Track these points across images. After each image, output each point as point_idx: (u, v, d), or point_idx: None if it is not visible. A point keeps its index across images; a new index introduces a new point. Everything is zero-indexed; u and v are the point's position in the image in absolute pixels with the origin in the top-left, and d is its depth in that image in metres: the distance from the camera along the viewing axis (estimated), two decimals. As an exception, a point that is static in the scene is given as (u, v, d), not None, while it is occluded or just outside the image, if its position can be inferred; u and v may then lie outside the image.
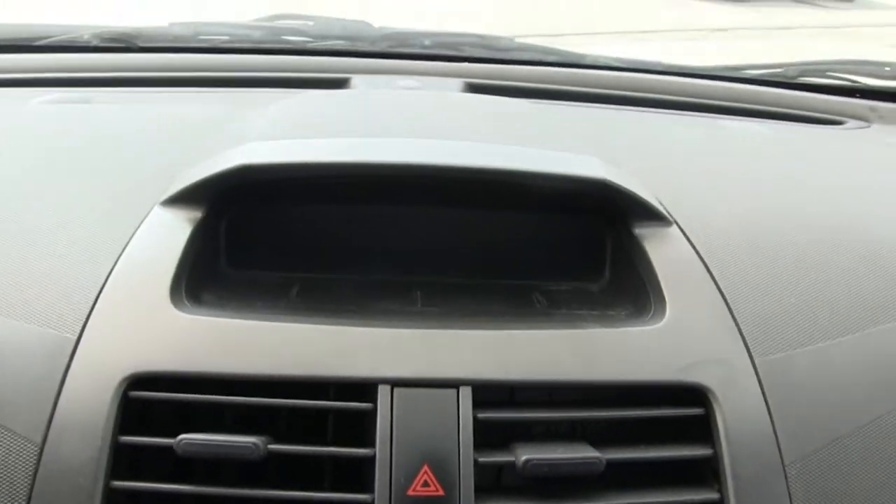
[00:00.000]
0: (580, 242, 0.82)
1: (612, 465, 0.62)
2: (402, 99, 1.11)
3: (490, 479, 0.64)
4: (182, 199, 0.74)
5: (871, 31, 6.91)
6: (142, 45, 1.32)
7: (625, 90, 1.30)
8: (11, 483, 0.59)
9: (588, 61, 1.43)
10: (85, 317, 0.65)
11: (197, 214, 0.73)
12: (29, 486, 0.59)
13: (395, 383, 0.63)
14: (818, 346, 0.70)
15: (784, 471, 0.64)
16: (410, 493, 0.60)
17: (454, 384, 0.63)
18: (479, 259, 0.82)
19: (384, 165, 0.75)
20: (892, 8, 9.05)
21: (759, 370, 0.68)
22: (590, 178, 0.75)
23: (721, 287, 0.72)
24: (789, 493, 0.64)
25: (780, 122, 1.26)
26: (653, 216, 0.77)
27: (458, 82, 1.23)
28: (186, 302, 0.68)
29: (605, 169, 0.76)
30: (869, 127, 1.26)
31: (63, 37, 1.32)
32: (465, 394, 0.63)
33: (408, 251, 0.81)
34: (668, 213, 0.78)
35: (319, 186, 0.79)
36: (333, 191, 0.80)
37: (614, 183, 0.75)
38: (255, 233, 0.81)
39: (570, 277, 0.81)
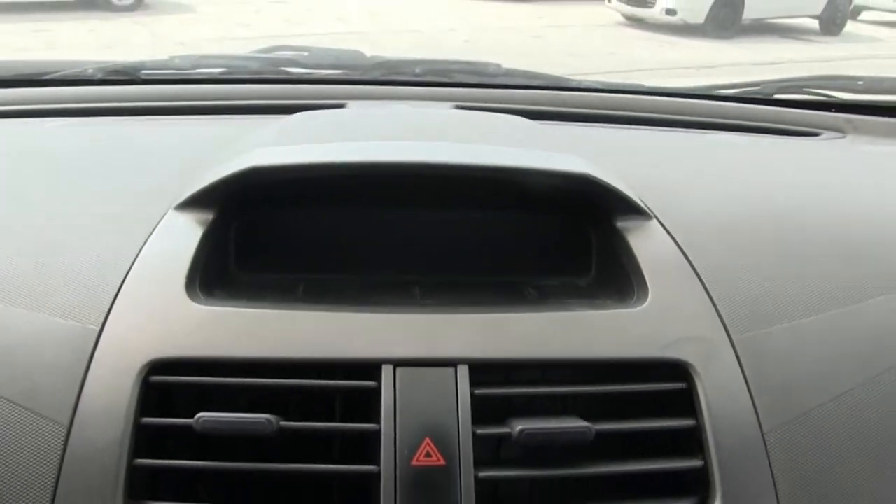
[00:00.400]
0: (567, 240, 0.88)
1: (601, 436, 0.66)
2: (398, 113, 1.17)
3: (488, 452, 0.68)
4: (194, 202, 0.80)
5: (857, 64, 7.03)
6: (144, 77, 1.38)
7: (608, 109, 1.35)
8: (41, 463, 0.64)
9: (573, 84, 1.48)
10: (107, 310, 0.70)
11: (208, 217, 0.79)
12: (57, 466, 0.63)
13: (398, 363, 0.68)
14: (792, 323, 0.75)
15: (763, 439, 0.68)
16: (414, 463, 0.64)
17: (452, 363, 0.68)
18: (472, 258, 0.87)
19: (385, 164, 0.80)
20: (878, 40, 9.21)
21: (736, 347, 0.72)
22: (573, 173, 0.80)
23: (699, 273, 0.77)
24: (769, 460, 0.68)
25: (758, 134, 1.31)
26: (633, 210, 0.82)
27: (449, 105, 1.29)
28: (200, 295, 0.73)
29: (587, 165, 0.82)
30: (844, 137, 1.32)
31: (68, 71, 1.38)
32: (463, 372, 0.67)
33: (406, 252, 0.87)
34: (648, 208, 0.83)
35: (324, 189, 0.85)
36: (337, 193, 0.86)
37: (596, 178, 0.80)
38: (262, 237, 0.86)
39: (559, 273, 0.87)
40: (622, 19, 9.41)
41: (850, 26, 9.89)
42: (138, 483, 0.64)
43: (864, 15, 10.72)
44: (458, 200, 0.87)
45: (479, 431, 0.66)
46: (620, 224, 0.81)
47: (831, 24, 9.64)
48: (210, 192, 0.79)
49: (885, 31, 9.89)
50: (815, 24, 9.67)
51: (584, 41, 7.71)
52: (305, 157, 0.81)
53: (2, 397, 0.65)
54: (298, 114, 1.08)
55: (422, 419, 0.65)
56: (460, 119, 1.10)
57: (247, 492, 0.65)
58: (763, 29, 9.10)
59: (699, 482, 0.67)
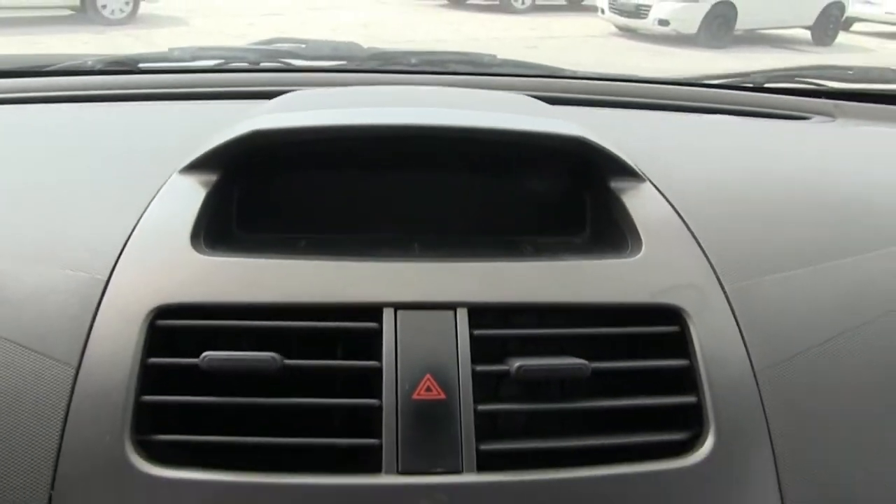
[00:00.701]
0: (562, 201, 0.90)
1: (597, 374, 0.69)
2: (396, 89, 1.20)
3: (488, 390, 0.70)
4: (198, 166, 0.82)
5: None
6: (143, 67, 1.40)
7: (603, 95, 1.38)
8: (51, 401, 0.66)
9: (567, 73, 1.51)
10: (113, 262, 0.72)
11: (211, 179, 0.81)
12: (66, 404, 0.65)
13: (398, 307, 0.70)
14: (782, 274, 0.78)
15: (755, 378, 0.71)
16: (415, 397, 0.66)
17: (452, 306, 0.70)
18: (470, 219, 0.90)
19: (384, 126, 0.83)
20: (870, 51, 9.27)
21: (728, 294, 0.75)
22: (568, 136, 0.83)
23: (692, 229, 0.79)
24: (761, 397, 0.70)
25: (749, 118, 1.34)
26: (627, 173, 0.84)
27: None
28: (204, 248, 0.75)
29: (581, 129, 0.84)
30: (833, 121, 1.34)
31: (68, 63, 1.40)
32: (462, 315, 0.70)
33: (405, 214, 0.89)
34: (641, 172, 0.85)
35: (325, 153, 0.87)
36: (338, 157, 0.88)
37: (590, 139, 0.82)
38: (264, 200, 0.88)
39: (555, 233, 0.89)
40: (615, 30, 9.48)
41: (842, 37, 9.96)
42: (145, 420, 0.66)
43: (857, 26, 10.79)
44: (455, 164, 0.89)
45: (479, 369, 0.68)
46: (614, 185, 0.84)
47: (823, 34, 9.70)
48: (213, 155, 0.81)
49: (876, 42, 9.95)
50: (807, 34, 9.73)
51: (578, 51, 7.75)
52: (307, 120, 0.83)
53: (12, 342, 0.68)
54: (297, 91, 1.10)
55: (422, 358, 0.68)
56: (457, 93, 1.12)
57: (250, 428, 0.67)
58: (756, 39, 9.15)
59: (693, 418, 0.69)
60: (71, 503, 0.63)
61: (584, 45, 8.44)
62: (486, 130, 0.84)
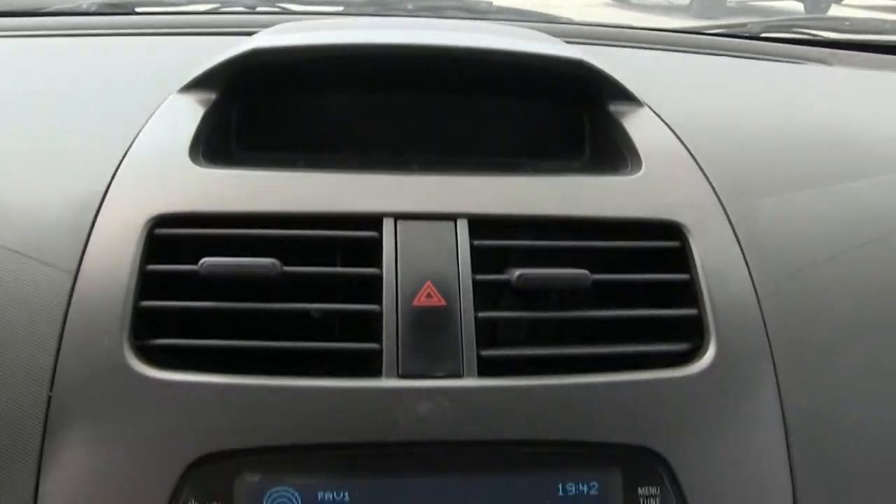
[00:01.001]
0: (561, 125, 0.90)
1: (598, 286, 0.69)
2: (397, 20, 1.20)
3: (488, 299, 0.70)
4: (197, 85, 0.82)
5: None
6: (139, 11, 1.39)
7: (601, 39, 1.38)
8: (49, 307, 0.65)
9: (564, 20, 1.50)
10: (112, 173, 0.72)
11: (211, 97, 0.82)
12: (64, 310, 0.65)
13: (398, 216, 0.70)
14: (783, 196, 0.78)
15: (756, 292, 0.71)
16: (415, 304, 0.66)
17: (452, 217, 0.70)
18: (470, 142, 0.90)
19: (385, 46, 0.83)
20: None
21: (729, 213, 0.75)
22: (568, 58, 0.83)
23: (691, 150, 0.80)
24: (762, 311, 0.71)
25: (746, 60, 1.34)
26: (626, 97, 0.85)
27: None
28: (203, 161, 0.75)
29: (581, 53, 0.84)
30: (830, 67, 1.34)
31: (63, 5, 1.39)
32: (463, 225, 0.70)
33: (405, 136, 0.89)
34: (640, 99, 0.86)
35: (324, 73, 0.87)
36: (337, 77, 0.88)
37: (589, 63, 0.82)
38: (263, 120, 0.88)
39: (554, 157, 0.89)
40: (610, 0, 9.44)
41: (834, 9, 9.93)
42: (144, 326, 0.66)
43: (848, -1, 10.76)
44: (456, 86, 0.89)
45: (479, 278, 0.68)
46: (613, 108, 0.84)
47: (815, 6, 9.66)
48: (212, 74, 0.81)
49: (868, 15, 9.92)
50: (799, 6, 9.70)
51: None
52: (307, 40, 0.83)
53: (9, 249, 0.67)
54: (296, 21, 1.10)
55: (422, 266, 0.68)
56: (456, 23, 1.12)
57: (249, 335, 0.66)
58: (748, 10, 9.13)
59: (694, 330, 0.70)
60: (69, 404, 0.63)
61: (577, 14, 8.38)
62: (487, 51, 0.84)
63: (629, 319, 0.71)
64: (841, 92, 1.13)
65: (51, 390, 0.63)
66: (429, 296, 0.66)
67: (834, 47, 1.44)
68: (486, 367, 0.66)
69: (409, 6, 1.50)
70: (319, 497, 0.64)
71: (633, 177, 0.76)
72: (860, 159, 0.86)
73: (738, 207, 0.75)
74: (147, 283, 0.67)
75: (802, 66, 1.30)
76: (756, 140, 0.86)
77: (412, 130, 0.90)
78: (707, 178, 0.77)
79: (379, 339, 0.65)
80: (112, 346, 0.64)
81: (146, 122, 0.78)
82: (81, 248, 0.67)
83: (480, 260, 0.69)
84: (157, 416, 0.63)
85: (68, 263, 0.67)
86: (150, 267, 0.67)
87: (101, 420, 0.63)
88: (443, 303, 0.66)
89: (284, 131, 0.88)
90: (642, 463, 0.65)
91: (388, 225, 0.69)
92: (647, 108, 0.85)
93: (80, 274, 0.66)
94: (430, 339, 0.66)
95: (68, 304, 0.65)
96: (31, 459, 0.62)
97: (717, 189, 0.76)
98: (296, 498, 0.64)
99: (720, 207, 0.75)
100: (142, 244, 0.67)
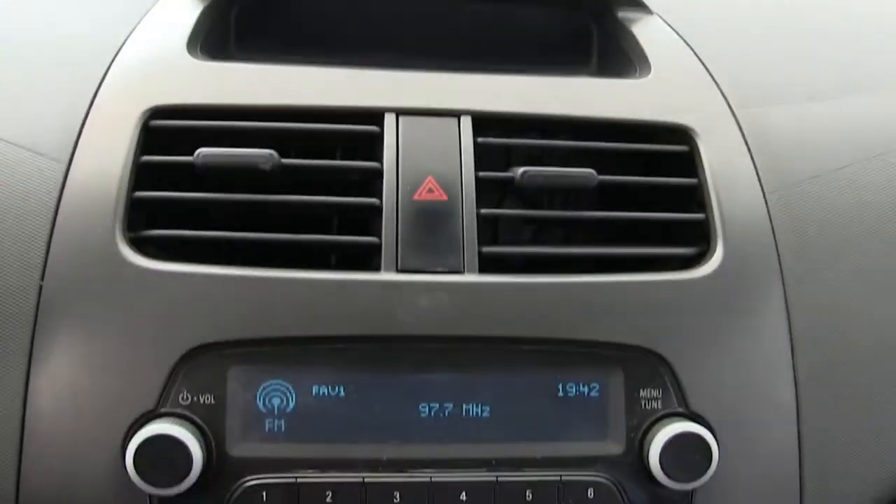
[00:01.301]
0: (569, 35, 0.88)
1: (604, 188, 0.67)
2: None
3: (491, 197, 0.69)
4: None
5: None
6: None
7: None
8: (40, 197, 0.64)
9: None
10: (108, 62, 0.70)
11: None
12: (56, 200, 0.64)
13: (401, 112, 0.68)
14: (793, 106, 0.76)
15: (765, 199, 0.69)
16: (416, 198, 0.65)
17: (456, 114, 0.68)
18: (476, 51, 0.87)
19: None
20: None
21: (739, 119, 0.73)
22: None
23: (701, 57, 0.78)
24: (770, 217, 0.69)
25: None
26: (635, 4, 0.82)
27: None
28: (201, 55, 0.73)
29: None
30: None
31: None
32: (466, 122, 0.68)
33: (409, 41, 0.87)
34: (650, 6, 0.84)
35: None
36: None
37: None
38: (262, 21, 0.86)
39: (561, 65, 0.87)
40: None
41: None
42: (138, 218, 0.65)
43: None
44: None
45: (482, 174, 0.66)
46: (622, 15, 0.82)
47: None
48: None
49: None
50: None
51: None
52: None
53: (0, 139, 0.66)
54: None
55: (424, 161, 0.66)
56: None
57: (245, 229, 0.65)
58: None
59: (701, 235, 0.68)
60: (60, 295, 0.62)
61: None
62: None
63: (635, 222, 0.69)
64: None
65: (42, 280, 0.62)
66: (430, 190, 0.65)
67: None
68: (487, 264, 0.64)
69: None
70: (314, 392, 0.62)
71: (642, 80, 0.74)
72: (876, 72, 0.84)
73: (748, 115, 0.73)
74: (141, 175, 0.65)
75: None
76: (769, 47, 0.84)
77: (417, 36, 0.87)
78: (718, 85, 0.75)
79: (378, 234, 0.64)
80: (104, 236, 0.62)
81: (143, 17, 0.76)
82: (75, 138, 0.66)
83: (484, 158, 0.67)
84: (149, 307, 0.61)
85: (61, 153, 0.65)
86: (145, 158, 0.65)
87: (93, 310, 0.61)
88: (444, 197, 0.65)
89: (284, 33, 0.86)
90: (645, 365, 0.64)
91: (389, 120, 0.67)
92: (656, 16, 0.82)
93: (73, 164, 0.65)
94: (430, 234, 0.64)
95: (60, 194, 0.64)
96: (21, 350, 0.61)
97: (727, 96, 0.74)
98: (290, 392, 0.62)
99: (730, 114, 0.73)
100: (137, 135, 0.66)
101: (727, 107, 0.74)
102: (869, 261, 0.70)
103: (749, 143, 0.72)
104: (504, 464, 0.63)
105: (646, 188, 0.70)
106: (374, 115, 0.68)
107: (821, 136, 0.75)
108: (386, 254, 0.63)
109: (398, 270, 0.63)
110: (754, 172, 0.70)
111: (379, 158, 0.66)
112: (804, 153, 0.73)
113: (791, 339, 0.67)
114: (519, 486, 0.62)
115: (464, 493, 0.62)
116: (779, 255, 0.68)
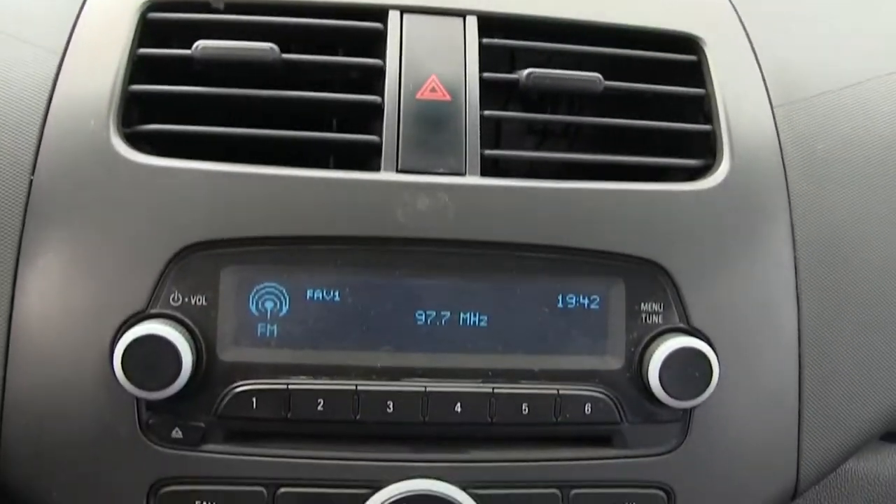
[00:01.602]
0: None
1: (610, 95, 0.65)
2: None
3: (495, 99, 0.67)
4: None
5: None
6: None
7: None
8: (31, 88, 0.62)
9: None
10: None
11: None
12: (49, 91, 0.62)
13: (405, 9, 0.66)
14: (807, 23, 0.75)
15: (773, 113, 0.68)
16: (419, 97, 0.63)
17: (461, 13, 0.66)
18: None
19: None
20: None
21: (750, 34, 0.71)
22: None
23: None
24: (777, 132, 0.67)
25: None
26: None
27: None
28: None
29: None
30: None
31: None
32: (472, 22, 0.66)
33: None
34: None
35: None
36: None
37: None
38: None
39: None
40: None
41: None
42: (134, 112, 0.62)
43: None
44: None
45: (486, 75, 0.64)
46: None
47: None
48: None
49: None
50: None
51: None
52: None
53: None
54: None
55: (428, 59, 0.64)
56: None
57: (243, 126, 0.63)
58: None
59: (707, 146, 0.66)
60: (51, 189, 0.60)
61: None
62: None
63: (640, 134, 0.67)
64: None
65: (32, 174, 0.60)
66: (433, 89, 0.63)
67: None
68: (489, 168, 0.63)
69: None
70: (308, 295, 0.61)
71: None
72: None
73: (759, 30, 0.72)
74: (138, 68, 0.63)
75: None
76: None
77: None
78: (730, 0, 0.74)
79: (379, 132, 0.62)
80: (98, 130, 0.60)
81: None
82: (69, 29, 0.63)
83: (489, 59, 0.65)
84: (141, 203, 0.59)
85: (54, 44, 0.63)
86: (142, 51, 0.63)
87: (84, 206, 0.59)
88: (447, 97, 0.63)
89: None
90: (646, 278, 0.63)
91: (393, 17, 0.65)
92: None
93: (67, 55, 0.62)
94: (432, 134, 0.62)
95: (53, 86, 0.61)
96: (9, 247, 0.59)
97: (738, 11, 0.73)
98: (283, 295, 0.61)
99: (741, 28, 0.71)
100: (134, 27, 0.63)
101: (738, 21, 0.72)
102: (878, 181, 0.69)
103: (759, 57, 0.70)
104: (500, 375, 0.61)
105: (652, 99, 0.68)
106: (378, 12, 0.66)
107: (836, 50, 0.74)
108: (386, 153, 0.61)
109: (398, 170, 0.61)
110: (763, 86, 0.69)
111: (382, 56, 0.64)
112: (816, 67, 0.72)
113: (795, 258, 0.65)
114: (515, 399, 0.61)
115: (458, 405, 0.60)
116: (785, 170, 0.66)
